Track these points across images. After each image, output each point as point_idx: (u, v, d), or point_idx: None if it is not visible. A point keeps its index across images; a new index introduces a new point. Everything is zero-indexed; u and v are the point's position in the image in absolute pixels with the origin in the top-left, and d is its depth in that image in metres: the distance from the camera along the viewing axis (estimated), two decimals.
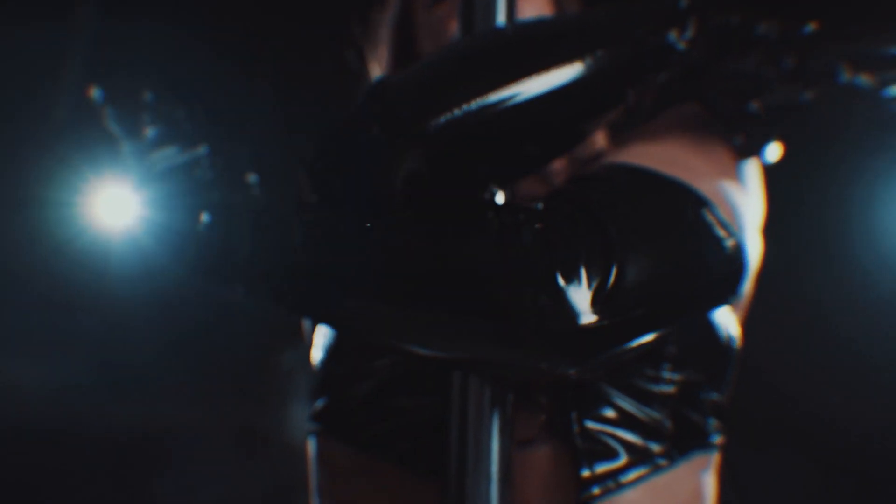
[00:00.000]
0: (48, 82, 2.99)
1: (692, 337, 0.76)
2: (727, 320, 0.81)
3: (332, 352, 0.87)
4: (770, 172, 0.93)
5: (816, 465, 2.99)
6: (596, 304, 0.64)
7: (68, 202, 2.90)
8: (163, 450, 3.01)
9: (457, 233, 0.67)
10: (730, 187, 0.75)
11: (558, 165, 0.85)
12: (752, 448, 2.78)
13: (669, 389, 0.74)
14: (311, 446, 0.88)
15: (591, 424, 0.72)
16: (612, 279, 0.64)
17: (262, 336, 3.22)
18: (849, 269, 2.62)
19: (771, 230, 0.94)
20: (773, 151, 0.77)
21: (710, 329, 0.78)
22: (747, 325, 0.91)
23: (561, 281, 0.63)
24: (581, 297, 0.64)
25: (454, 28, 0.81)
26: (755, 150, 0.76)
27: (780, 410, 2.95)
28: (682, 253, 0.70)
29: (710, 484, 0.77)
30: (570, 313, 0.63)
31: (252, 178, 0.71)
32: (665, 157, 0.74)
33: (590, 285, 0.64)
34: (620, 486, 0.71)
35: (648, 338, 0.68)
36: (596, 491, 0.71)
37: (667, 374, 0.75)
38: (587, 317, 0.63)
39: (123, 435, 2.95)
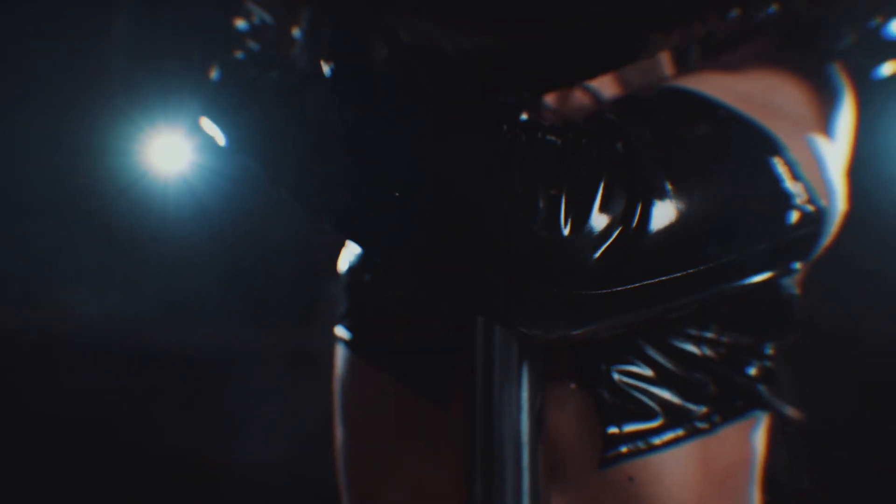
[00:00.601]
0: (103, 35, 3.16)
1: (748, 295, 0.60)
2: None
3: (356, 259, 0.83)
4: None
5: (827, 376, 3.14)
6: (609, 257, 0.48)
7: (127, 150, 3.12)
8: (223, 371, 3.22)
9: (448, 136, 0.53)
10: (816, 134, 0.60)
11: (613, 91, 0.68)
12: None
13: (714, 353, 0.60)
14: (338, 354, 0.86)
15: (620, 378, 0.60)
16: (634, 224, 0.48)
17: (312, 266, 3.43)
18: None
19: None
20: (889, 67, 0.66)
21: (771, 287, 0.63)
22: None
23: (564, 217, 0.47)
24: (588, 245, 0.49)
25: None
26: (868, 71, 0.64)
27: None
28: (734, 205, 0.53)
29: (757, 448, 0.66)
30: (573, 263, 0.49)
31: (297, 34, 0.58)
32: (737, 90, 0.57)
33: (606, 235, 0.48)
34: (652, 448, 0.60)
35: (678, 304, 0.55)
36: (623, 450, 0.61)
37: (712, 335, 0.60)
38: (594, 282, 0.48)
39: (186, 359, 3.17)
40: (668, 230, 0.50)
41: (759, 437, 0.66)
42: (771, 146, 0.53)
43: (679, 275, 0.51)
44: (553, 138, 0.51)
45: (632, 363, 0.60)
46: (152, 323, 3.21)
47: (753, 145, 0.53)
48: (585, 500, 0.61)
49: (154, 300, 3.25)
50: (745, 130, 0.53)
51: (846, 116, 0.66)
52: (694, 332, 0.59)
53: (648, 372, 0.60)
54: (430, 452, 0.69)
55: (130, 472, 3.25)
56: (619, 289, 0.49)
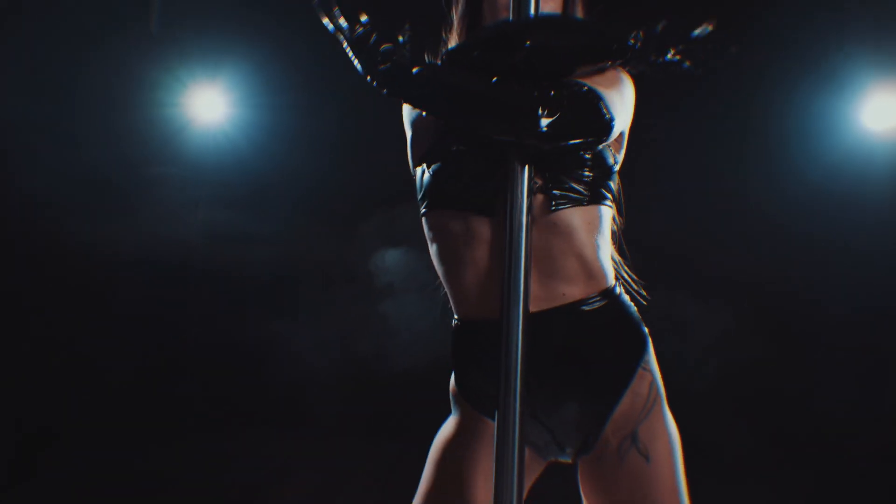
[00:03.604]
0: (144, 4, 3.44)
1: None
2: None
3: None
4: None
5: None
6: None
7: (171, 103, 3.39)
8: (293, 286, 3.75)
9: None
10: (617, 98, 1.18)
11: None
12: None
13: (591, 176, 1.15)
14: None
15: (559, 187, 1.13)
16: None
17: (340, 201, 3.79)
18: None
19: None
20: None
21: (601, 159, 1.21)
22: None
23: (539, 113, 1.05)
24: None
25: (506, 13, 1.20)
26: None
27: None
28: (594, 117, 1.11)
29: (606, 212, 1.19)
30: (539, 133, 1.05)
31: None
32: (600, 84, 1.14)
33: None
34: (570, 206, 1.13)
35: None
36: (563, 204, 1.13)
37: (588, 173, 1.15)
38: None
39: (258, 276, 3.69)
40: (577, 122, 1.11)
41: (607, 211, 1.20)
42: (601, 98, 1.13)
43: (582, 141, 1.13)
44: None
45: (561, 185, 1.14)
46: (226, 243, 3.62)
47: (601, 100, 1.12)
48: (538, 234, 1.14)
49: (205, 228, 3.63)
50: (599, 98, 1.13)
51: (630, 92, 1.24)
52: (586, 171, 1.16)
53: (567, 183, 1.14)
54: (488, 246, 1.16)
55: (197, 358, 3.72)
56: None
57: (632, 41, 1.09)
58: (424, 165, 1.19)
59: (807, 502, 2.91)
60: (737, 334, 3.70)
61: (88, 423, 3.49)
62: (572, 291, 1.14)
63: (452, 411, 1.20)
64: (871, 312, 3.42)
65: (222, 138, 3.56)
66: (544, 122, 1.04)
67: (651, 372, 1.14)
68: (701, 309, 3.79)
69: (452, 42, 1.28)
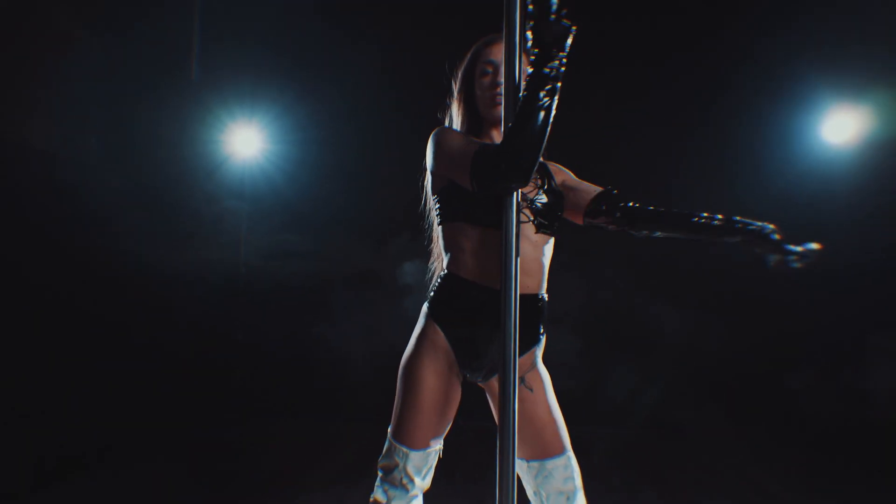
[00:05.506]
0: (186, 46, 3.74)
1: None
2: None
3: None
4: None
5: None
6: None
7: (213, 140, 3.69)
8: (315, 294, 4.16)
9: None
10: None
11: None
12: None
13: (550, 216, 1.53)
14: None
15: (535, 220, 1.50)
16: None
17: (368, 227, 4.10)
18: None
19: None
20: None
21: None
22: None
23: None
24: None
25: (498, 98, 1.52)
26: None
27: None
28: None
29: (553, 241, 1.58)
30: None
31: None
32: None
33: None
34: (539, 231, 1.53)
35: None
36: (536, 229, 1.53)
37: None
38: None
39: (300, 283, 4.12)
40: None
41: (552, 239, 1.58)
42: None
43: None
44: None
45: (537, 219, 1.53)
46: (262, 259, 4.11)
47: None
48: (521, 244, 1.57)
49: (247, 249, 3.98)
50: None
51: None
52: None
53: (540, 219, 1.55)
54: (484, 243, 1.54)
55: (252, 357, 4.25)
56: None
57: None
58: (443, 194, 1.57)
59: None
60: (712, 328, 4.08)
61: (159, 409, 3.88)
62: (531, 284, 1.55)
63: (417, 326, 1.55)
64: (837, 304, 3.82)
65: (258, 170, 3.88)
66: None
67: (538, 348, 1.57)
68: (679, 307, 4.22)
69: (455, 109, 1.60)
